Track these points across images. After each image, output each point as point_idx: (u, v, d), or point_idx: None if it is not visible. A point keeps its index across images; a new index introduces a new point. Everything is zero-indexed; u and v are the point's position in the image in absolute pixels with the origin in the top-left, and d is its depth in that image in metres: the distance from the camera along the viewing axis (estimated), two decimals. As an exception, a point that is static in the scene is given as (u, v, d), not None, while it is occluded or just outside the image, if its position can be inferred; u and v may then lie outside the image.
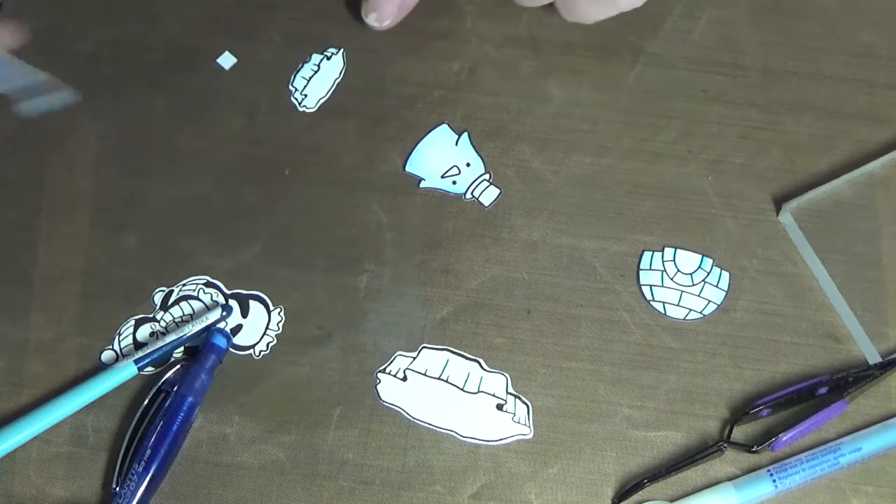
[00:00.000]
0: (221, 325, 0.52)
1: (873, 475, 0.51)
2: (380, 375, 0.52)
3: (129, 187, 0.54)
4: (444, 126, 0.55)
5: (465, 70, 0.56)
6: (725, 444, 0.51)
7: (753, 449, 0.51)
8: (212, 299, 0.53)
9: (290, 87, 0.56)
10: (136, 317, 0.53)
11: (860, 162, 0.55)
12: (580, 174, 0.55)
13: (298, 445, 0.51)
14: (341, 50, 0.56)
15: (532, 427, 0.51)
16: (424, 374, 0.52)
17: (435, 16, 0.56)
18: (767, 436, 0.51)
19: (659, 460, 0.51)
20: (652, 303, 0.53)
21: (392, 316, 0.53)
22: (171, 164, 0.54)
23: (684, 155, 0.56)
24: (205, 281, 0.53)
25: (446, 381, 0.52)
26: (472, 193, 0.54)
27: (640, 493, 0.51)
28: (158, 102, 0.55)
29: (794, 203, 0.54)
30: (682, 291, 0.53)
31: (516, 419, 0.52)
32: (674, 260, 0.54)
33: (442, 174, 0.55)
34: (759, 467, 0.51)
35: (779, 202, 0.55)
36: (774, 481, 0.50)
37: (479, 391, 0.52)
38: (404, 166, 0.55)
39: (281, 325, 0.53)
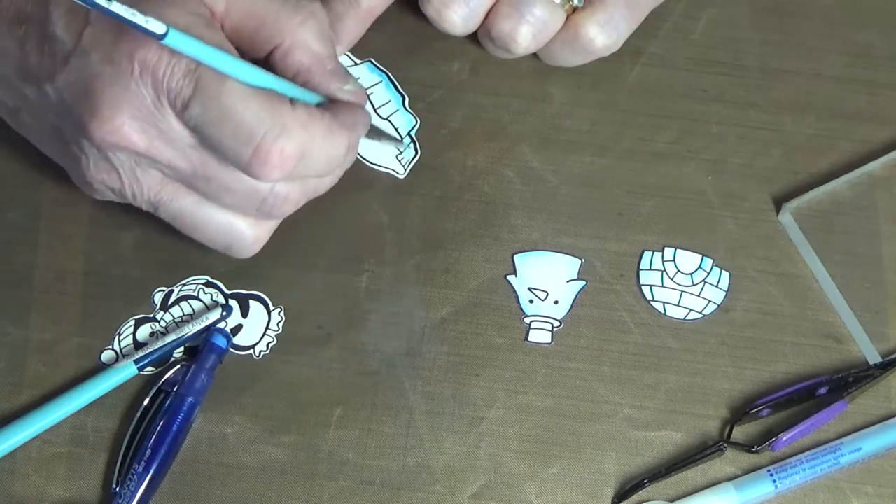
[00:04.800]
0: (221, 325, 0.52)
1: (873, 475, 0.51)
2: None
3: (129, 187, 0.54)
4: None
5: (465, 70, 0.56)
6: (725, 444, 0.51)
7: (753, 449, 0.51)
8: (212, 299, 0.53)
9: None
10: (136, 317, 0.53)
11: (860, 162, 0.55)
12: (580, 174, 0.55)
13: (298, 445, 0.51)
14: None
15: (406, 172, 0.54)
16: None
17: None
18: (767, 436, 0.51)
19: (659, 460, 0.51)
20: (652, 303, 0.53)
21: (392, 316, 0.53)
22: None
23: (684, 155, 0.56)
24: (205, 281, 0.53)
25: (368, 97, 0.55)
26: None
27: (640, 493, 0.51)
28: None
29: (794, 203, 0.54)
30: (682, 291, 0.53)
31: (399, 157, 0.54)
32: (674, 260, 0.54)
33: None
34: (759, 467, 0.51)
35: (779, 202, 0.55)
36: (774, 481, 0.50)
37: (388, 118, 0.55)
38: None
39: (281, 325, 0.53)
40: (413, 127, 0.55)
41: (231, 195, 0.46)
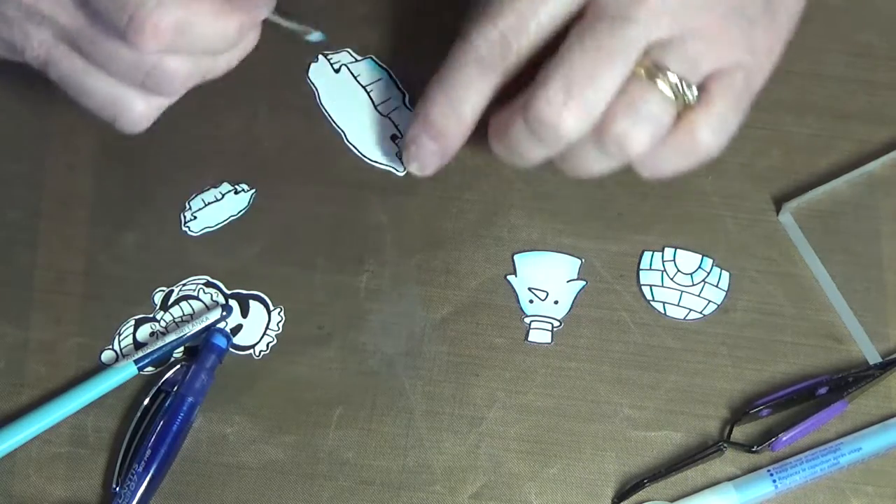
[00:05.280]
0: (221, 325, 0.52)
1: (873, 475, 0.51)
2: (321, 56, 0.55)
3: (129, 187, 0.54)
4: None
5: (465, 70, 0.56)
6: (725, 444, 0.51)
7: (753, 449, 0.51)
8: (212, 299, 0.53)
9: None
10: (136, 317, 0.53)
11: (860, 162, 0.55)
12: (580, 174, 0.55)
13: (298, 445, 0.51)
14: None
15: (406, 171, 0.54)
16: (355, 77, 0.55)
17: (435, 16, 0.56)
18: (767, 436, 0.51)
19: (659, 460, 0.51)
20: (652, 303, 0.53)
21: (392, 316, 0.53)
22: (171, 164, 0.54)
23: (684, 155, 0.55)
24: (205, 281, 0.53)
25: (368, 93, 0.55)
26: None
27: (640, 493, 0.51)
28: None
29: (794, 203, 0.54)
30: (682, 291, 0.53)
31: (400, 155, 0.54)
32: (674, 260, 0.54)
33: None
34: (759, 467, 0.51)
35: (779, 202, 0.55)
36: (774, 481, 0.50)
37: (388, 115, 0.55)
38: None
39: (281, 325, 0.53)
40: None
41: (115, 63, 0.45)
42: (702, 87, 0.47)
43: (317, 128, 0.55)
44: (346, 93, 0.56)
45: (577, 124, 0.45)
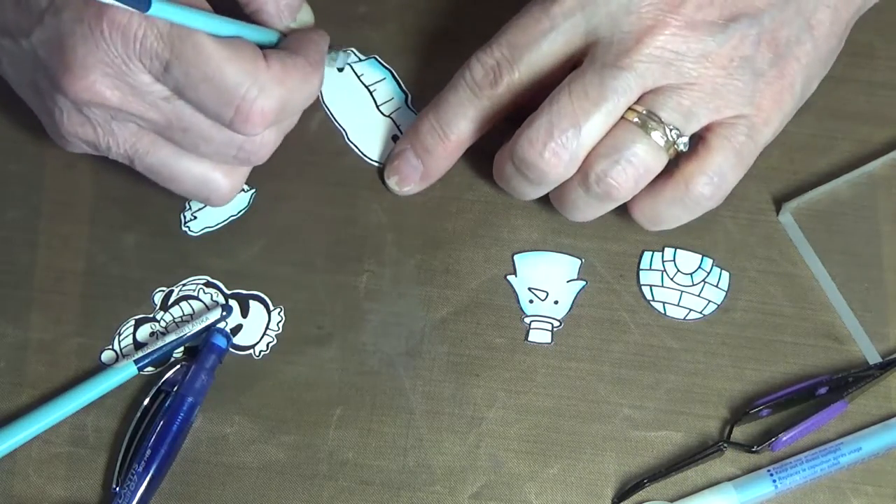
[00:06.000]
0: (221, 325, 0.52)
1: (873, 475, 0.51)
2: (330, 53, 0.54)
3: (129, 187, 0.54)
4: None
5: (465, 70, 0.56)
6: (725, 444, 0.51)
7: (753, 449, 0.51)
8: (212, 299, 0.53)
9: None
10: (136, 317, 0.53)
11: (860, 162, 0.55)
12: (580, 174, 0.55)
13: (298, 445, 0.51)
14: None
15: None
16: (358, 77, 0.55)
17: (436, 15, 0.56)
18: (767, 436, 0.51)
19: (659, 460, 0.51)
20: (652, 303, 0.53)
21: (392, 316, 0.53)
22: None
23: (684, 155, 0.55)
24: (205, 281, 0.53)
25: (371, 93, 0.55)
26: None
27: (640, 493, 0.51)
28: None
29: (794, 203, 0.54)
30: (682, 291, 0.53)
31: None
32: (674, 260, 0.54)
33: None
34: (759, 467, 0.51)
35: (779, 202, 0.55)
36: (774, 481, 0.50)
37: (389, 115, 0.55)
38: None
39: (281, 325, 0.53)
40: None
41: (208, 144, 0.47)
42: (701, 138, 0.48)
43: (318, 127, 0.55)
44: (348, 92, 0.56)
45: (558, 164, 0.47)
